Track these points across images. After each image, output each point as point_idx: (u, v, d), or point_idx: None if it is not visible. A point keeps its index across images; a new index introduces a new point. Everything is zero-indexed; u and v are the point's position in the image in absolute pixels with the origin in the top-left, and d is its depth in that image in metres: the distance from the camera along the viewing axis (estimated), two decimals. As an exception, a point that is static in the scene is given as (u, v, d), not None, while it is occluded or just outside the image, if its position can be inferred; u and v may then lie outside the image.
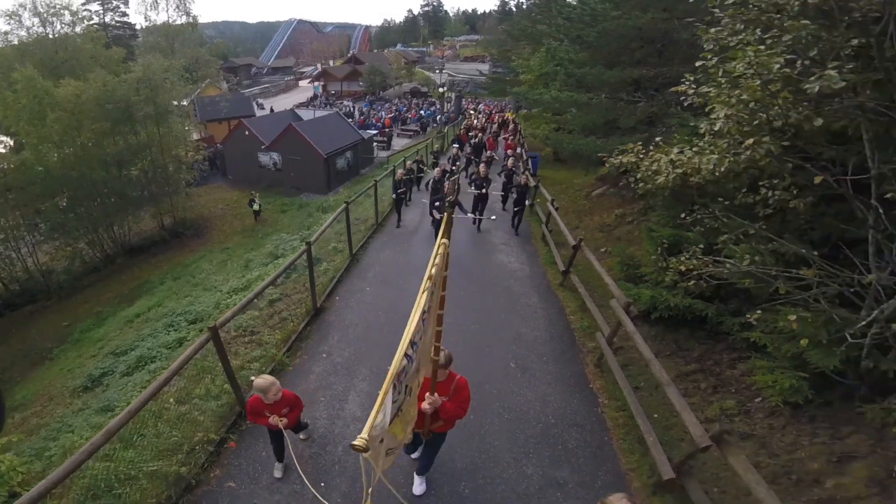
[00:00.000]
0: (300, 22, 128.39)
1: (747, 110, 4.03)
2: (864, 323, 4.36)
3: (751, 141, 4.02)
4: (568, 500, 4.59)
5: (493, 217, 11.70)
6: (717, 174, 4.68)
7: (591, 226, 11.64)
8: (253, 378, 4.16)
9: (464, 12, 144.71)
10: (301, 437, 5.04)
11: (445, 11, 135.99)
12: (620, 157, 5.92)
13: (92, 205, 20.17)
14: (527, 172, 12.65)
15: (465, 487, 4.65)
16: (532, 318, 7.83)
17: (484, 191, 11.15)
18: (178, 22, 32.77)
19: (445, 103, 42.86)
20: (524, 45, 27.19)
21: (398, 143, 34.77)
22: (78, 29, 28.61)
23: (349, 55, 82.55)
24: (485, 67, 58.38)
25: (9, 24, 27.96)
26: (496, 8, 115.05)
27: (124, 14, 44.11)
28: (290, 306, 8.07)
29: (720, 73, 4.17)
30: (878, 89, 4.09)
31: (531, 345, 7.10)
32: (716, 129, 4.30)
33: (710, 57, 4.25)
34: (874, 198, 4.26)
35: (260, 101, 51.77)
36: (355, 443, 1.90)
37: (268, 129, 27.85)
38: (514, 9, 63.32)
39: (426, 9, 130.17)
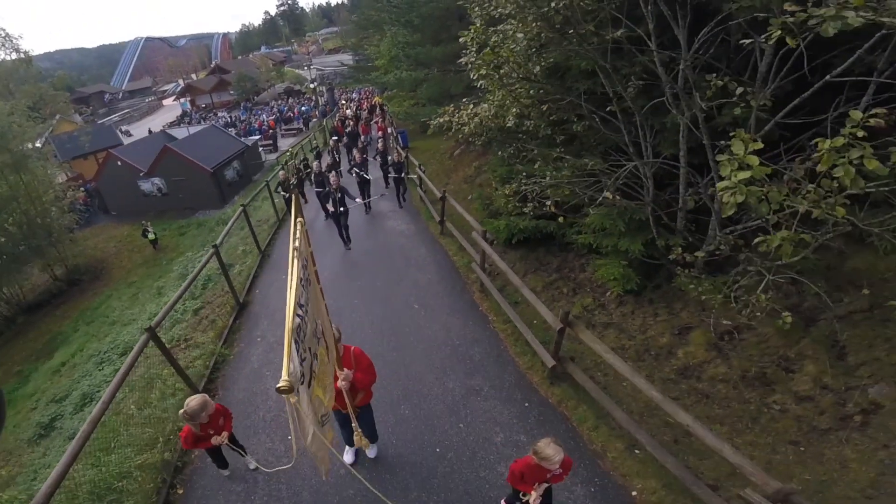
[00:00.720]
0: (148, 39, 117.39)
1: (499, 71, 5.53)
2: (645, 205, 5.98)
3: (499, 95, 5.53)
4: (487, 402, 5.42)
5: (383, 194, 12.72)
6: (500, 121, 6.16)
7: (457, 180, 13.12)
8: (181, 410, 3.99)
9: (319, 6, 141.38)
10: (251, 466, 4.81)
11: (302, 8, 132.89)
12: (438, 118, 7.30)
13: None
14: (397, 148, 13.79)
15: (405, 409, 5.42)
16: (423, 265, 9.13)
17: (366, 176, 11.87)
18: (8, 60, 29.17)
19: (319, 97, 42.46)
20: (373, 32, 27.90)
21: (284, 143, 34.21)
22: None
23: (213, 65, 77.68)
24: (347, 58, 57.92)
25: None
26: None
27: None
28: (215, 309, 8.66)
29: (473, 44, 5.61)
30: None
31: (426, 287, 8.35)
32: (479, 85, 5.75)
33: (471, 31, 5.66)
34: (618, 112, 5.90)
35: (123, 127, 47.73)
36: (280, 385, 1.99)
37: (142, 154, 26.11)
38: (360, -2, 62.88)
39: (282, 8, 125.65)
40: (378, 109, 25.71)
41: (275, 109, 46.30)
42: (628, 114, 5.83)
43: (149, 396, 6.33)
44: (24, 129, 19.78)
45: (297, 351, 2.26)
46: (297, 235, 2.66)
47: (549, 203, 6.16)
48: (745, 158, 3.28)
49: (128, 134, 42.74)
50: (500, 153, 8.15)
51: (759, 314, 4.65)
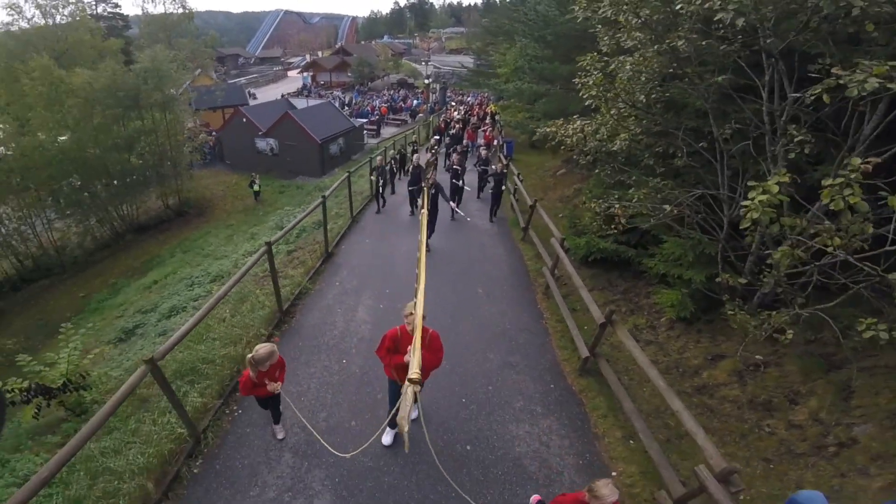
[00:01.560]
0: (287, 13, 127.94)
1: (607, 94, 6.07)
2: (717, 241, 6.28)
3: (608, 117, 6.02)
4: (518, 375, 6.22)
5: (469, 219, 11.94)
6: (601, 138, 6.66)
7: (553, 198, 13.52)
8: (249, 355, 4.19)
9: (449, 4, 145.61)
10: (279, 435, 5.05)
11: (431, 4, 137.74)
12: (546, 127, 7.90)
13: (103, 185, 21.45)
14: (500, 155, 14.31)
15: (446, 365, 6.09)
16: (498, 262, 9.76)
17: (460, 182, 11.64)
18: (175, 14, 33.71)
19: (431, 94, 44.44)
20: (501, 40, 28.81)
21: (387, 131, 36.31)
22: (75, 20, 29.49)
23: (338, 46, 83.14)
24: (468, 60, 59.80)
25: (10, 14, 28.63)
26: (480, 1, 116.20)
27: (116, 5, 44.56)
28: (306, 254, 9.91)
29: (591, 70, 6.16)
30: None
31: (495, 279, 9.02)
32: (587, 104, 6.31)
33: (587, 58, 6.23)
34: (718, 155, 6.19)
35: (251, 90, 52.61)
36: (411, 376, 2.13)
37: (264, 116, 29.21)
38: (497, 2, 64.42)
39: (412, 1, 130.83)
40: (489, 118, 25.59)
41: (387, 97, 48.96)
42: (727, 156, 6.11)
43: (241, 307, 7.57)
44: (179, 76, 22.91)
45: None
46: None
47: (623, 221, 6.56)
48: (768, 186, 3.79)
49: (254, 97, 47.29)
50: (599, 173, 8.58)
51: (784, 340, 4.87)
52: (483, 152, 13.96)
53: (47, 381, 5.89)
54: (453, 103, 41.08)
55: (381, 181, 12.89)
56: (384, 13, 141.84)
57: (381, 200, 13.14)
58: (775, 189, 3.76)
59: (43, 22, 29.01)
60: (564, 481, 4.71)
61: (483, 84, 27.53)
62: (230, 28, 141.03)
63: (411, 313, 3.88)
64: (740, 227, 4.31)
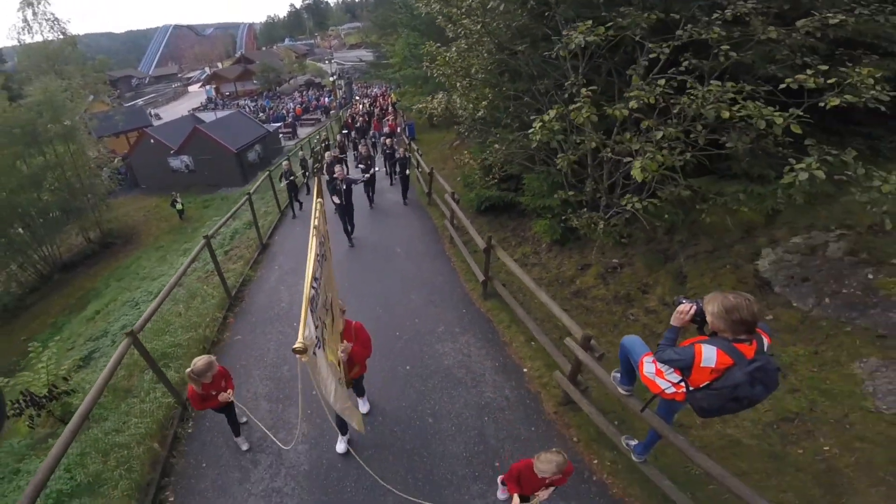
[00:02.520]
0: (176, 27, 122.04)
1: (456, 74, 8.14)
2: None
3: (457, 86, 8.10)
4: (437, 308, 7.67)
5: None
6: (464, 107, 8.67)
7: (451, 166, 15.47)
8: (187, 370, 4.35)
9: (344, 1, 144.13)
10: (244, 447, 5.22)
11: (327, 3, 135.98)
12: (419, 104, 9.87)
13: (16, 229, 21.25)
14: (404, 138, 16.02)
15: (379, 310, 7.70)
16: (410, 226, 11.62)
17: (371, 171, 12.60)
18: (55, 42, 32.62)
19: (337, 91, 45.50)
20: (390, 32, 30.37)
21: (302, 131, 37.08)
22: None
23: (238, 55, 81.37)
24: (366, 54, 60.72)
25: None
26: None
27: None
28: (242, 249, 11.27)
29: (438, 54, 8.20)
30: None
31: (411, 238, 10.83)
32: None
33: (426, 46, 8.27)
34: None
35: (151, 111, 51.14)
36: (295, 346, 2.21)
37: (173, 134, 29.38)
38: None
39: (308, 1, 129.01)
40: (391, 108, 26.82)
41: (300, 99, 49.71)
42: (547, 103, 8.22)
43: (192, 303, 8.73)
44: (75, 105, 22.85)
45: (312, 318, 2.47)
46: (317, 215, 2.86)
47: (496, 170, 8.59)
48: (543, 117, 5.75)
49: (158, 117, 46.23)
50: (477, 140, 10.64)
51: (624, 241, 6.96)
52: (387, 141, 14.92)
53: (34, 391, 6.88)
54: (357, 97, 42.31)
55: (293, 187, 13.30)
56: (281, 17, 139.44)
57: (295, 205, 13.68)
58: (548, 118, 5.78)
59: None
60: (487, 381, 5.90)
61: (381, 75, 29.01)
62: (115, 49, 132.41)
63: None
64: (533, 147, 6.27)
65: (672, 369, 2.99)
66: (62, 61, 32.43)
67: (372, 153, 13.70)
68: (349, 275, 9.15)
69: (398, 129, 20.27)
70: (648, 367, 3.20)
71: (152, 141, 28.71)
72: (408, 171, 13.09)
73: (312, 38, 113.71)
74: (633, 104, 5.40)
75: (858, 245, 4.99)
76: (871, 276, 4.63)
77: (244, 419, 5.48)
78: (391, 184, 15.14)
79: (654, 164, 5.33)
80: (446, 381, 5.97)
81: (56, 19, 32.07)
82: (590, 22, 5.70)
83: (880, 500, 3.63)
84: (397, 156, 13.52)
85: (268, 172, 12.96)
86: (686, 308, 2.92)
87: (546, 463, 3.15)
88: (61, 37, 32.44)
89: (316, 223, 2.85)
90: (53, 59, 30.91)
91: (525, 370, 6.11)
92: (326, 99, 47.25)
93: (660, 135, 5.43)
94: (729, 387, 2.65)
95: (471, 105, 9.26)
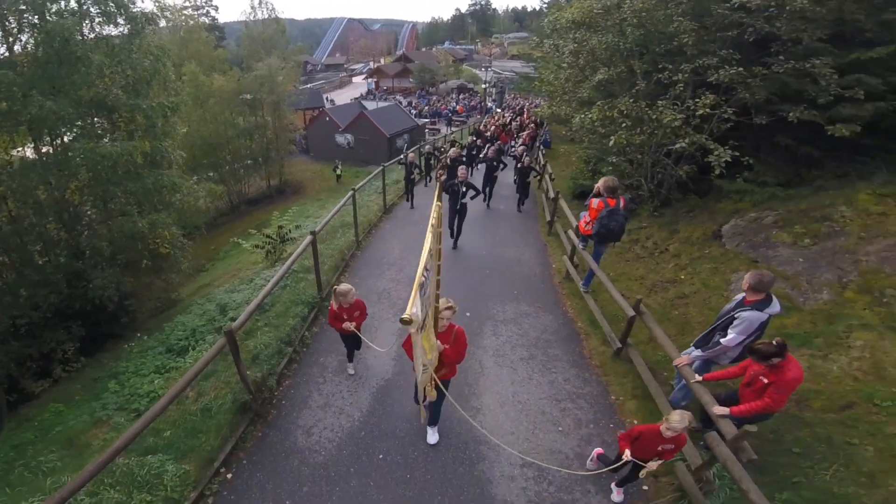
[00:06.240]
0: (350, 20, 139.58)
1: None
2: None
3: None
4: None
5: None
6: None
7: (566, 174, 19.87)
8: (336, 287, 5.32)
9: (513, 9, 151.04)
10: (350, 371, 6.22)
11: (494, 9, 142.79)
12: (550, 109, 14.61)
13: (231, 166, 30.18)
14: (539, 148, 20.05)
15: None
16: (516, 229, 15.62)
17: (493, 175, 14.33)
18: (270, 28, 43.27)
19: (487, 98, 51.79)
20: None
21: (446, 130, 43.77)
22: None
23: (399, 54, 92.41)
24: (523, 66, 64.89)
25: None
26: (544, 5, 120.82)
27: (214, 18, 55.38)
28: (367, 213, 15.79)
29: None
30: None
31: (517, 238, 13.81)
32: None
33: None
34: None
35: (326, 95, 62.16)
36: (403, 316, 2.52)
37: (342, 116, 37.68)
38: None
39: (474, 7, 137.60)
40: (533, 125, 26.85)
41: (456, 100, 58.07)
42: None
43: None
44: (284, 81, 31.51)
45: (421, 301, 2.85)
46: (435, 216, 3.20)
47: (591, 164, 13.14)
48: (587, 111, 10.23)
49: (332, 102, 56.73)
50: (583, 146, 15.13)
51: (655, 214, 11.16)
52: (519, 149, 16.19)
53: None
54: (498, 110, 46.20)
55: (411, 176, 14.72)
56: (445, 19, 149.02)
57: (411, 196, 15.16)
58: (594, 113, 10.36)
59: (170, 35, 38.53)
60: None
61: (530, 88, 33.58)
62: (294, 35, 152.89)
63: (447, 308, 4.25)
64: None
65: (583, 215, 7.43)
66: (272, 45, 42.74)
67: (500, 158, 14.88)
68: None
69: (536, 143, 23.07)
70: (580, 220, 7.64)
71: (328, 119, 37.21)
72: (528, 180, 14.73)
73: (473, 43, 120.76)
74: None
75: (782, 218, 8.74)
76: (774, 232, 8.44)
77: (351, 371, 6.35)
78: (517, 192, 15.46)
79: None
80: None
81: (273, 8, 42.76)
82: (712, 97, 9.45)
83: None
84: (519, 165, 14.65)
85: (404, 154, 17.56)
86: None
87: (680, 421, 3.68)
88: (274, 19, 42.96)
89: (434, 222, 3.18)
90: (268, 43, 41.04)
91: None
92: (479, 104, 54.47)
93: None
94: (604, 218, 7.04)
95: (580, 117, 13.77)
